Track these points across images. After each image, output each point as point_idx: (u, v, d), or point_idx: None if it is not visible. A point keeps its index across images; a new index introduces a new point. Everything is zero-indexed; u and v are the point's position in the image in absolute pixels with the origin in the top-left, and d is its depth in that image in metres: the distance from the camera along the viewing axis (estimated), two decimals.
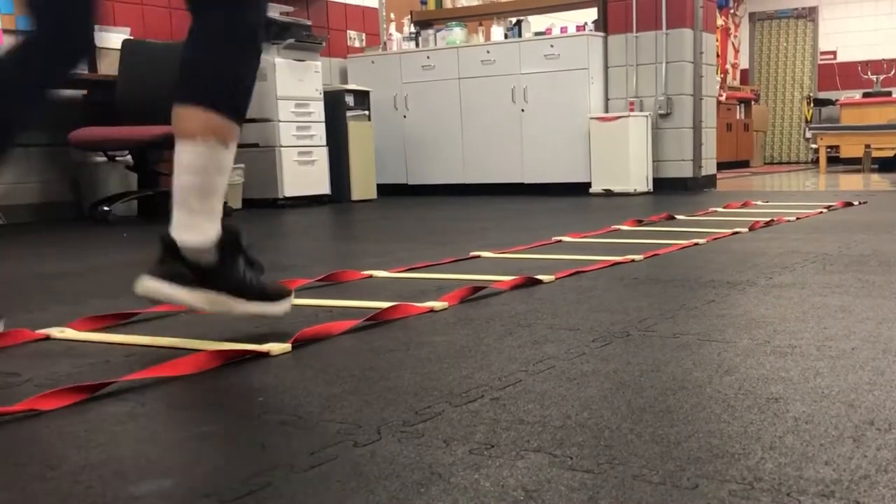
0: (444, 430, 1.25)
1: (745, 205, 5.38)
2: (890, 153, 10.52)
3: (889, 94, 12.47)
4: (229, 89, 1.89)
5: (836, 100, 13.27)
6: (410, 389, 1.46)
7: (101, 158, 6.02)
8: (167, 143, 5.52)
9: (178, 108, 1.85)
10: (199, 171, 1.83)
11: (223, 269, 1.88)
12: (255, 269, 1.93)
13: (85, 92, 6.15)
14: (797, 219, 4.34)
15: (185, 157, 1.83)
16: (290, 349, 1.78)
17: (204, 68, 1.90)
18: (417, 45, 8.10)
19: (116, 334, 2.03)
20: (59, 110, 6.03)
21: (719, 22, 13.51)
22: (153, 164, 5.94)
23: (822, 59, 14.62)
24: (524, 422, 1.27)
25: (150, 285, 1.85)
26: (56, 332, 2.05)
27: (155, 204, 6.06)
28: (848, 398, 1.34)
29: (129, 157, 5.93)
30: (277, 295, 1.95)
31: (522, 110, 7.35)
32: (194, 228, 1.84)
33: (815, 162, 11.84)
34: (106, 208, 5.50)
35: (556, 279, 2.61)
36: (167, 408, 1.41)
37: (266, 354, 1.74)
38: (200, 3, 1.95)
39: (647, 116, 7.10)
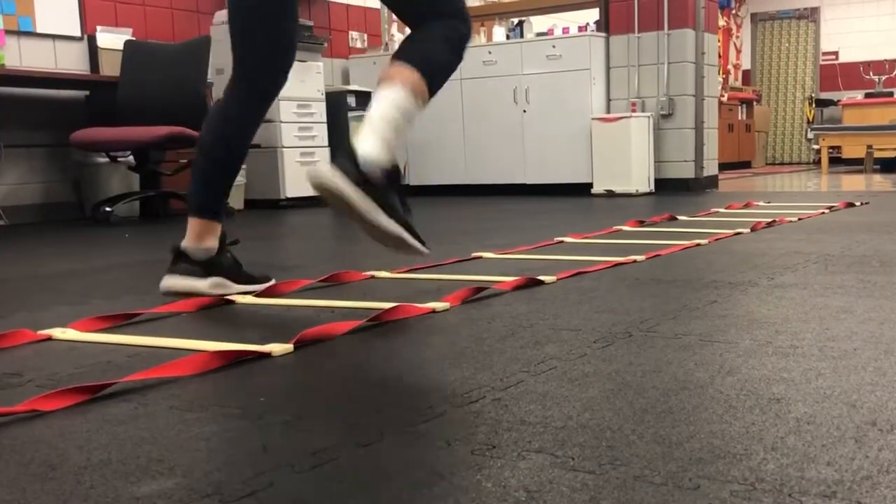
0: (445, 430, 1.24)
1: (746, 205, 5.38)
2: (892, 154, 10.52)
3: (891, 94, 12.46)
4: (435, 72, 2.29)
5: (838, 100, 13.26)
6: (412, 390, 1.46)
7: (103, 159, 6.04)
8: (168, 144, 5.54)
9: (397, 64, 2.21)
10: (400, 109, 2.13)
11: (397, 195, 2.12)
12: (407, 212, 2.17)
13: (87, 93, 6.17)
14: (799, 219, 4.34)
15: (394, 95, 2.14)
16: (291, 350, 1.78)
17: (426, 48, 2.32)
18: None
19: (118, 335, 2.03)
20: (61, 111, 6.05)
21: (721, 22, 13.51)
22: (155, 164, 5.96)
23: (823, 60, 14.62)
24: (526, 422, 1.26)
25: (330, 174, 2.03)
26: (58, 332, 2.05)
27: (157, 205, 6.07)
28: (850, 399, 1.33)
29: (131, 158, 5.95)
30: (415, 234, 2.17)
31: (524, 111, 7.35)
32: (377, 148, 2.05)
33: (817, 162, 11.84)
34: (108, 209, 5.51)
35: (558, 280, 2.61)
36: (169, 408, 1.41)
37: (268, 355, 1.74)
38: (424, 16, 2.37)
39: (648, 117, 7.10)
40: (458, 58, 2.44)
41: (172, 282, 2.42)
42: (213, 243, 2.57)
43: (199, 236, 2.55)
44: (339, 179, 2.01)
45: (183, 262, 2.45)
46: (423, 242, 2.19)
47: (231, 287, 2.48)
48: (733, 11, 14.66)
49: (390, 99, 2.13)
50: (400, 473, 1.09)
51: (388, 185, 2.07)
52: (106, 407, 1.43)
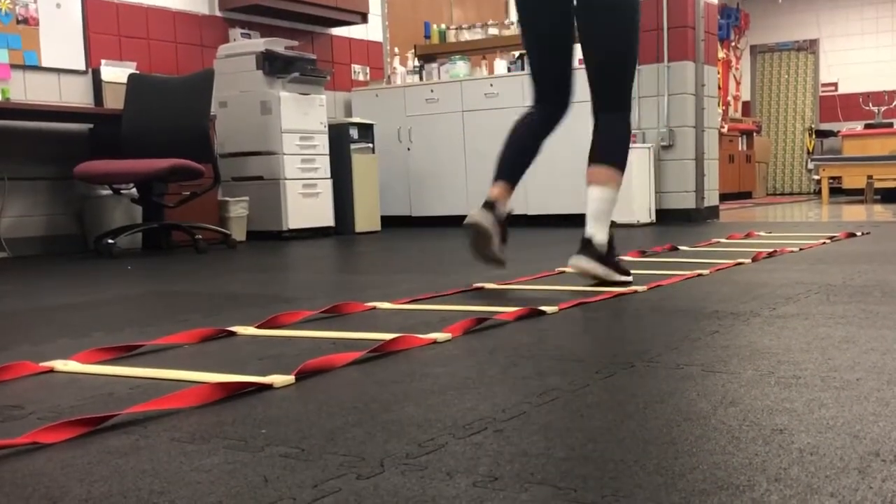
0: (447, 462, 1.24)
1: (748, 236, 5.38)
2: (892, 184, 10.53)
3: (891, 125, 12.50)
4: (624, 157, 3.34)
5: (838, 131, 13.29)
6: (414, 421, 1.46)
7: (107, 191, 6.05)
8: (171, 177, 5.55)
9: (596, 167, 3.28)
10: (607, 202, 3.24)
11: (611, 255, 3.23)
12: (617, 257, 3.28)
13: (91, 126, 6.19)
14: (800, 249, 4.34)
15: (604, 194, 3.24)
16: (293, 381, 1.77)
17: (614, 145, 3.33)
18: (421, 78, 8.14)
19: (120, 367, 2.02)
20: (65, 144, 6.07)
21: (721, 54, 13.56)
22: (158, 197, 5.97)
23: (823, 91, 14.67)
24: (528, 454, 1.26)
25: (581, 262, 3.19)
26: (60, 364, 2.04)
27: (159, 237, 6.07)
28: (853, 429, 1.33)
29: (133, 191, 5.95)
30: (626, 272, 3.22)
31: None
32: (602, 233, 3.19)
33: (818, 193, 11.85)
34: (111, 241, 5.50)
35: (560, 310, 2.61)
36: (170, 440, 1.40)
37: (269, 387, 1.73)
38: (606, 108, 3.39)
39: (649, 148, 7.11)
40: (629, 141, 3.41)
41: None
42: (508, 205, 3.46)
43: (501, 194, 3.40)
44: (587, 263, 3.19)
45: (491, 212, 3.32)
46: (629, 273, 3.24)
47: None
48: (733, 43, 14.72)
49: (598, 198, 3.23)
50: None
51: (610, 250, 3.22)
52: (107, 439, 1.42)
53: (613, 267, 3.20)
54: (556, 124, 3.53)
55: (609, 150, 3.30)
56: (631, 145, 6.92)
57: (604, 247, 3.18)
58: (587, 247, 3.17)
